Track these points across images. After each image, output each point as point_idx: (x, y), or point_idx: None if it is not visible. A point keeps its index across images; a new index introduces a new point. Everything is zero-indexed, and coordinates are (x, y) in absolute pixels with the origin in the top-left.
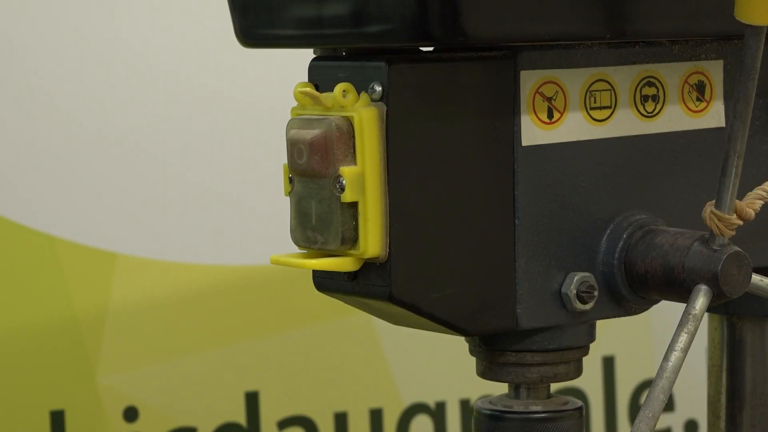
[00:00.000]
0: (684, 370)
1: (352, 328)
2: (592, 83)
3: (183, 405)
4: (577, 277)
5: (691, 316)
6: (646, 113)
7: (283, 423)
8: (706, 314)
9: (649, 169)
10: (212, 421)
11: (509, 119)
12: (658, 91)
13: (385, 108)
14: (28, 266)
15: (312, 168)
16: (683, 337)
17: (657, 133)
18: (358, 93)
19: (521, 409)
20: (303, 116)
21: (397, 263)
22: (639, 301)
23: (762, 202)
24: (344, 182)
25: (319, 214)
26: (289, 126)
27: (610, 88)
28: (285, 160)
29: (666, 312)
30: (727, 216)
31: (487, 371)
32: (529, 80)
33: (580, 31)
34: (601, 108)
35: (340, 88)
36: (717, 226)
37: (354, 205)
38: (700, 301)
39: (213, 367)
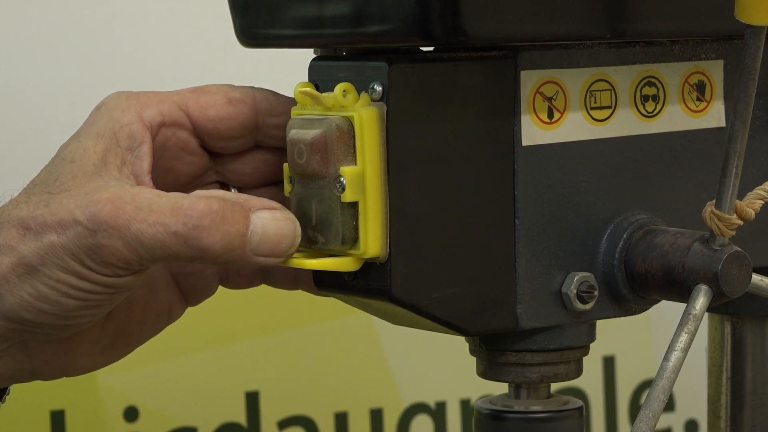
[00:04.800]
0: (684, 370)
1: (352, 328)
2: (593, 83)
3: (183, 405)
4: (578, 277)
5: (691, 316)
6: (646, 113)
7: (283, 423)
8: (706, 314)
9: (650, 169)
10: (212, 421)
11: (509, 119)
12: (658, 91)
13: (385, 108)
14: None
15: (312, 168)
16: (683, 337)
17: (657, 133)
18: (359, 93)
19: (521, 408)
20: (303, 116)
21: (397, 263)
22: (639, 301)
23: (762, 202)
24: (344, 182)
25: (319, 214)
26: (290, 126)
27: (610, 88)
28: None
29: (666, 312)
30: (727, 216)
31: (487, 371)
32: (530, 80)
33: (580, 31)
34: (601, 108)
35: (340, 88)
36: (717, 226)
37: (354, 205)
38: (701, 301)
39: (213, 367)
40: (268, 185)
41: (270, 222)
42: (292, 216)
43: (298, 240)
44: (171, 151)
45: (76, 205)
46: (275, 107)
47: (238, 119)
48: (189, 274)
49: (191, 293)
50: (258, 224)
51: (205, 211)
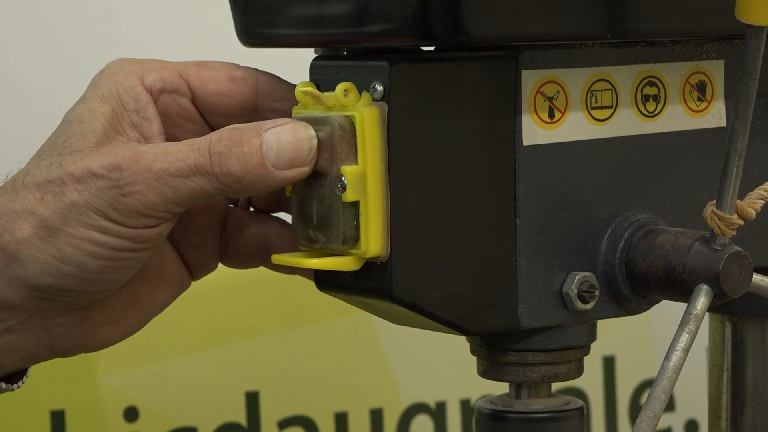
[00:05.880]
0: (685, 370)
1: (352, 327)
2: (594, 83)
3: (183, 405)
4: (578, 276)
5: (692, 316)
6: (647, 113)
7: (283, 423)
8: (707, 314)
9: (650, 169)
10: (212, 421)
11: (510, 119)
12: (659, 91)
13: (386, 107)
14: None
15: (319, 165)
16: (684, 337)
17: (658, 132)
18: (360, 92)
19: (522, 408)
20: (304, 116)
21: (398, 262)
22: (640, 301)
23: (763, 202)
24: (346, 181)
25: (320, 213)
26: None
27: (611, 87)
28: None
29: (667, 312)
30: (728, 216)
31: (488, 371)
32: (531, 80)
33: (581, 31)
34: (602, 108)
35: (341, 87)
36: (718, 226)
37: (355, 205)
38: (701, 300)
39: (213, 367)
40: None
41: (283, 133)
42: (304, 123)
43: (315, 142)
44: (173, 118)
45: (92, 161)
46: (276, 92)
47: (237, 98)
48: (191, 247)
49: (194, 266)
50: (272, 139)
51: (217, 139)
